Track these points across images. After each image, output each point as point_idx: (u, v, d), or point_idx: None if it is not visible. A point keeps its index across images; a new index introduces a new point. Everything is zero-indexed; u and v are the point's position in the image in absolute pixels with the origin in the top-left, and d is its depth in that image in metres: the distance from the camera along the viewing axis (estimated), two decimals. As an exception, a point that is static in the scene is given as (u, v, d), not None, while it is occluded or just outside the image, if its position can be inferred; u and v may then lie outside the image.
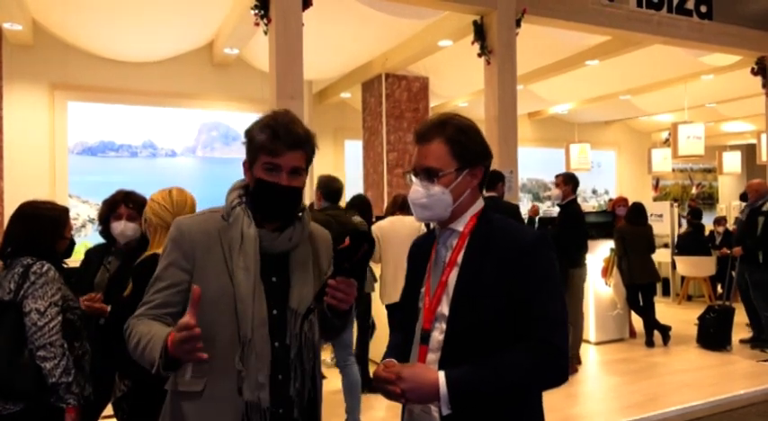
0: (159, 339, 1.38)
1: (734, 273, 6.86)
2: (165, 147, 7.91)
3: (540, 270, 1.42)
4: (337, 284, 1.43)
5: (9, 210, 2.37)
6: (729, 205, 13.69)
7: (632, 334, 6.81)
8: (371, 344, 4.97)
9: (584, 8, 6.15)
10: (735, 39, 7.07)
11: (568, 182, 5.59)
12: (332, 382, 5.13)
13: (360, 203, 5.13)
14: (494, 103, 5.83)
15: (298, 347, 1.53)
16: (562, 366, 1.40)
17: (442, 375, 1.34)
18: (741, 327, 6.70)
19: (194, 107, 7.99)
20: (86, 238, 7.09)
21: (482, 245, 1.46)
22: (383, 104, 8.10)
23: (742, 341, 6.31)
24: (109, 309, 2.69)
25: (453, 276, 1.46)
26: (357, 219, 4.90)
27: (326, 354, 5.89)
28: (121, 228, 2.85)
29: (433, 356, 1.45)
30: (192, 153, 8.07)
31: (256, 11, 4.80)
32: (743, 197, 6.57)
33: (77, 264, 3.11)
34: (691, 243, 8.94)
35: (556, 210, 6.10)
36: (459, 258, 1.47)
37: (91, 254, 3.12)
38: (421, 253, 1.61)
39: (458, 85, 8.85)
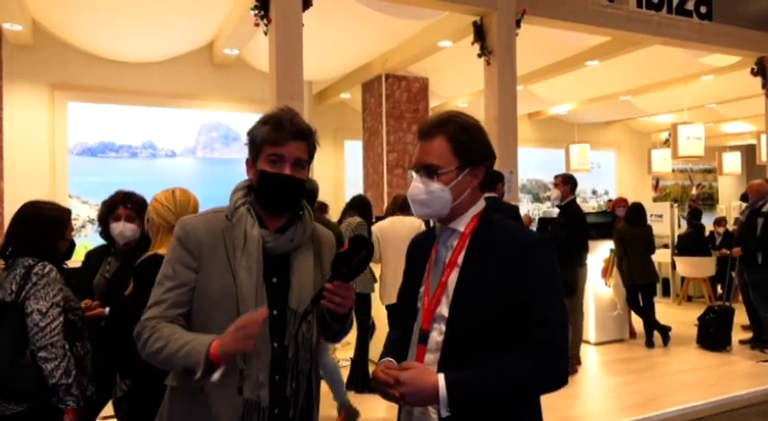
0: (200, 345, 1.39)
1: (734, 274, 6.86)
2: (165, 147, 7.91)
3: (540, 271, 1.42)
4: (334, 289, 1.43)
5: (9, 211, 2.38)
6: (729, 206, 13.69)
7: (632, 334, 6.81)
8: (371, 345, 4.96)
9: (583, 9, 6.15)
10: (734, 39, 7.07)
11: (567, 182, 5.59)
12: (332, 383, 5.12)
13: (360, 204, 5.13)
14: (494, 104, 5.83)
15: (295, 348, 1.53)
16: (562, 368, 1.40)
17: (441, 378, 1.34)
18: (741, 328, 6.71)
19: (194, 107, 7.99)
20: (86, 239, 7.09)
21: (483, 245, 1.45)
22: (383, 105, 8.11)
23: (742, 341, 6.31)
24: (106, 311, 2.70)
25: (453, 277, 1.46)
26: (357, 219, 4.91)
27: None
28: (120, 228, 2.84)
29: (431, 357, 1.45)
30: (191, 153, 8.07)
31: (256, 11, 4.80)
32: (744, 198, 6.57)
33: (78, 265, 3.11)
34: (691, 243, 8.93)
35: (555, 211, 6.10)
36: (460, 259, 1.47)
37: (91, 255, 3.13)
38: (420, 251, 1.61)
39: (458, 86, 8.86)
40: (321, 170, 9.34)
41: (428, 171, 1.48)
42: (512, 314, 1.39)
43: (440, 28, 6.53)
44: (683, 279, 9.28)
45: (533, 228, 6.50)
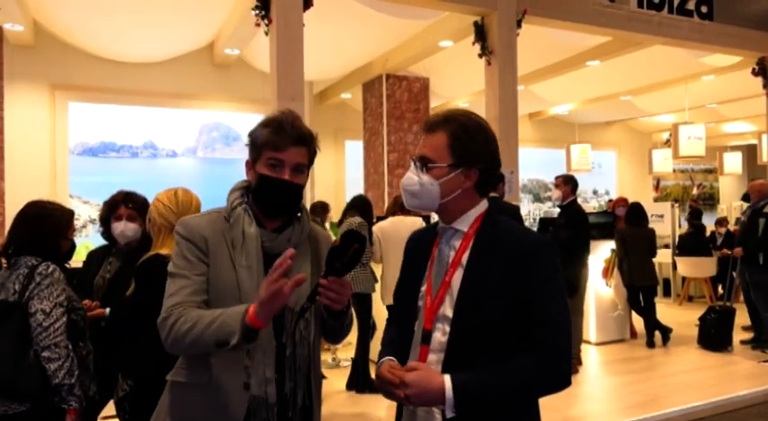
0: (234, 314, 1.40)
1: (735, 274, 6.86)
2: (166, 147, 7.91)
3: (543, 272, 1.42)
4: (329, 284, 1.43)
5: (10, 211, 2.38)
6: (730, 206, 13.69)
7: (633, 334, 6.81)
8: (372, 345, 4.96)
9: (584, 9, 6.15)
10: (735, 39, 7.06)
11: (568, 182, 5.62)
12: (333, 382, 5.13)
13: (360, 204, 5.13)
14: (494, 104, 5.83)
15: (293, 346, 1.54)
16: (565, 369, 1.40)
17: (447, 380, 1.34)
18: (741, 329, 6.70)
19: (195, 108, 7.99)
20: (87, 239, 7.09)
21: (488, 246, 1.45)
22: (384, 105, 8.11)
23: (743, 342, 6.31)
24: (107, 311, 2.70)
25: (457, 277, 1.46)
26: (358, 219, 4.91)
27: (327, 355, 5.89)
28: (121, 228, 2.84)
29: (434, 357, 1.45)
30: (192, 153, 8.07)
31: (257, 11, 4.80)
32: (745, 198, 6.57)
33: (79, 265, 3.12)
34: (692, 243, 8.93)
35: (556, 212, 6.11)
36: (464, 259, 1.46)
37: (93, 255, 3.13)
38: (418, 248, 1.61)
39: (458, 86, 8.86)
40: (322, 170, 9.35)
41: (422, 163, 1.49)
42: (515, 315, 1.39)
43: (440, 28, 6.52)
44: (683, 279, 9.28)
45: (534, 228, 6.49)
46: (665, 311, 7.81)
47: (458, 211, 1.50)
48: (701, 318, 6.31)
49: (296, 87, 4.80)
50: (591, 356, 6.10)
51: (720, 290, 8.85)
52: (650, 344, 6.35)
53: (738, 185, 13.29)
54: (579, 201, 6.03)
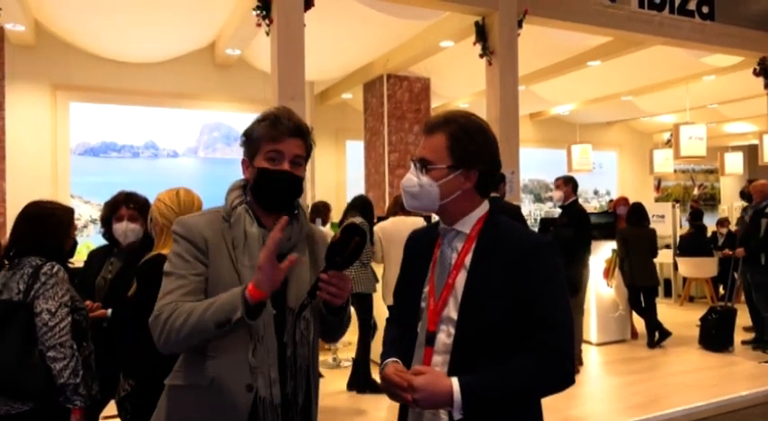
0: (232, 292, 1.39)
1: (736, 275, 6.85)
2: (167, 147, 7.92)
3: (544, 272, 1.42)
4: (329, 278, 1.43)
5: (11, 211, 2.38)
6: (731, 206, 13.67)
7: (634, 335, 6.81)
8: (372, 345, 4.96)
9: (585, 9, 6.15)
10: (737, 39, 7.06)
11: (568, 183, 5.66)
12: (334, 382, 5.13)
13: (361, 204, 5.13)
14: (495, 104, 5.83)
15: (293, 346, 1.53)
16: (568, 368, 1.41)
17: (455, 382, 1.34)
18: (742, 329, 6.70)
19: (196, 108, 7.99)
20: (89, 239, 7.09)
21: (490, 247, 1.46)
22: (385, 105, 8.11)
23: (744, 342, 6.30)
24: (109, 312, 2.70)
25: (461, 279, 1.46)
26: (359, 219, 4.91)
27: (327, 355, 5.90)
28: (123, 228, 2.85)
29: (439, 358, 1.45)
30: (193, 153, 8.07)
31: (258, 11, 4.80)
32: (743, 195, 6.57)
33: (80, 265, 3.11)
34: (693, 244, 8.93)
35: (557, 212, 6.12)
36: (467, 261, 1.47)
37: (94, 255, 3.13)
38: (419, 247, 1.61)
39: (459, 86, 8.85)
40: (323, 170, 9.36)
41: (422, 164, 1.49)
42: (517, 315, 1.40)
43: (441, 28, 6.52)
44: (684, 279, 9.27)
45: (535, 228, 6.50)
46: (666, 312, 7.81)
47: (458, 213, 1.50)
48: (701, 319, 6.30)
49: (297, 87, 4.80)
50: (592, 356, 6.09)
51: (722, 290, 8.85)
52: (651, 344, 6.34)
53: (739, 186, 13.24)
54: (580, 201, 6.04)
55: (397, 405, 1.50)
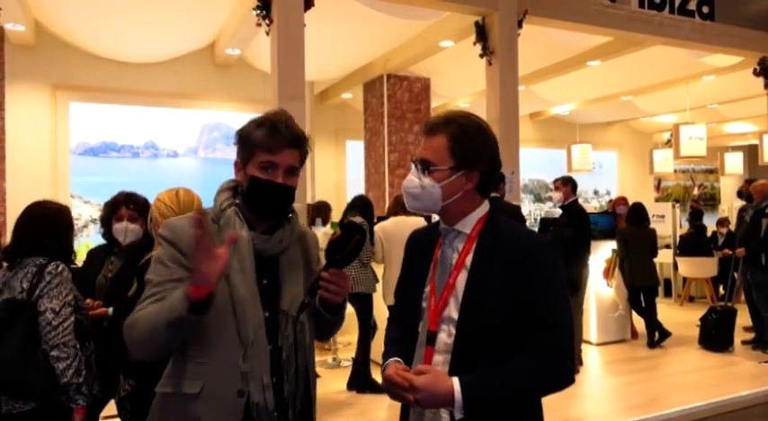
0: (178, 293, 1.37)
1: (736, 274, 6.85)
2: (167, 147, 7.92)
3: (544, 272, 1.42)
4: (330, 277, 1.43)
5: (11, 211, 2.38)
6: (731, 206, 13.66)
7: (634, 335, 6.81)
8: (372, 345, 4.97)
9: (585, 9, 6.15)
10: (737, 39, 7.06)
11: (567, 183, 5.69)
12: (334, 382, 5.13)
13: (361, 204, 5.13)
14: (495, 104, 5.83)
15: (290, 349, 1.52)
16: (568, 368, 1.41)
17: (456, 382, 1.35)
18: (742, 329, 6.70)
19: (196, 108, 7.99)
20: (88, 239, 7.09)
21: (490, 247, 1.46)
22: (384, 105, 8.11)
23: (744, 342, 6.31)
24: (110, 311, 2.70)
25: (461, 279, 1.46)
26: (359, 219, 4.91)
27: (327, 355, 5.90)
28: (123, 229, 2.85)
29: (440, 358, 1.46)
30: (193, 153, 8.07)
31: (258, 11, 4.80)
32: (740, 194, 6.57)
33: (79, 264, 3.11)
34: (693, 244, 8.93)
35: (557, 212, 6.12)
36: (468, 261, 1.47)
37: (93, 254, 3.13)
38: (420, 247, 1.61)
39: (459, 86, 8.85)
40: (323, 170, 9.36)
41: (423, 165, 1.49)
42: (517, 315, 1.40)
43: (441, 28, 6.52)
44: (684, 279, 9.27)
45: (535, 228, 6.50)
46: (666, 312, 7.81)
47: (460, 213, 1.51)
48: (701, 319, 6.31)
49: (297, 87, 4.80)
50: (591, 356, 6.09)
51: (722, 290, 8.84)
52: (651, 344, 6.34)
53: (739, 186, 13.27)
54: (580, 201, 6.05)
55: (397, 405, 1.50)
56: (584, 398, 4.79)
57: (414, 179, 1.51)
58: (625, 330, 6.75)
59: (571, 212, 5.60)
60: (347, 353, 5.66)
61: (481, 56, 5.84)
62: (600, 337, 6.54)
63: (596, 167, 11.69)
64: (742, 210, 7.00)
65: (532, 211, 11.81)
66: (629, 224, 6.61)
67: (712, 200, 14.35)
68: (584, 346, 6.06)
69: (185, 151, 8.02)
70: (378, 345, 5.05)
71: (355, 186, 9.09)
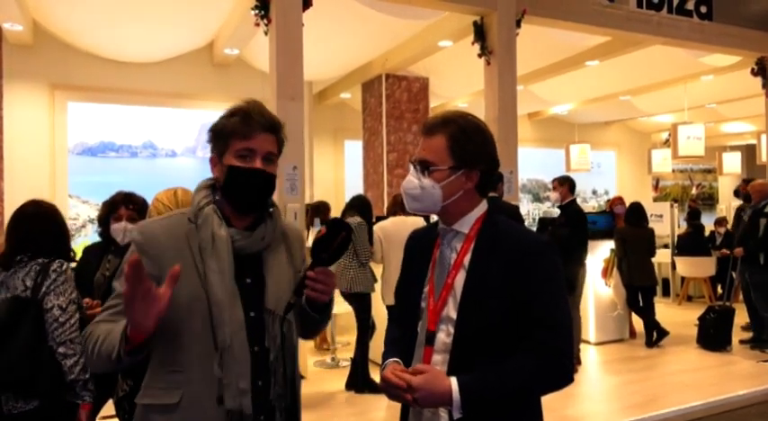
0: (119, 328, 1.32)
1: (734, 274, 6.86)
2: (166, 147, 7.91)
3: (542, 272, 1.42)
4: (316, 275, 1.41)
5: (9, 211, 2.38)
6: (729, 206, 13.66)
7: (632, 334, 6.81)
8: (371, 345, 4.96)
9: (584, 9, 6.15)
10: (735, 39, 7.07)
11: (564, 183, 5.69)
12: (332, 382, 5.13)
13: (360, 204, 5.13)
14: (494, 104, 5.83)
15: (277, 350, 1.45)
16: (566, 367, 1.41)
17: (454, 382, 1.35)
18: (740, 328, 6.71)
19: (194, 107, 7.99)
20: (87, 238, 7.09)
21: (488, 247, 1.46)
22: (383, 105, 8.11)
23: (742, 341, 6.31)
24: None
25: (460, 279, 1.46)
26: (357, 219, 4.91)
27: (326, 355, 5.90)
28: (121, 229, 2.84)
29: (439, 357, 1.46)
30: (192, 153, 8.07)
31: (257, 11, 4.80)
32: (737, 193, 6.58)
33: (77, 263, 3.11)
34: (691, 243, 8.94)
35: (556, 212, 6.13)
36: (466, 261, 1.47)
37: (90, 252, 3.11)
38: (419, 247, 1.61)
39: (458, 86, 8.86)
40: (321, 170, 9.36)
41: (423, 166, 1.49)
42: (515, 315, 1.40)
43: (440, 28, 6.52)
44: (683, 279, 9.28)
45: (533, 228, 6.51)
46: (665, 311, 7.82)
47: (459, 213, 1.51)
48: (700, 318, 6.31)
49: (295, 87, 4.80)
50: (590, 356, 6.10)
51: (720, 289, 8.85)
52: (649, 343, 6.35)
53: (737, 185, 13.30)
54: (578, 201, 6.06)
55: (396, 405, 1.50)
56: (582, 398, 4.80)
57: (413, 180, 1.50)
58: (623, 330, 6.75)
59: (569, 212, 5.61)
60: (346, 353, 5.66)
61: (480, 56, 5.84)
62: (598, 337, 6.55)
63: (595, 167, 11.69)
64: (740, 210, 7.01)
65: (531, 211, 11.82)
66: (627, 224, 6.62)
67: (710, 199, 14.37)
68: (582, 346, 6.07)
69: (184, 151, 8.02)
70: (376, 345, 5.05)
71: (354, 186, 9.09)
